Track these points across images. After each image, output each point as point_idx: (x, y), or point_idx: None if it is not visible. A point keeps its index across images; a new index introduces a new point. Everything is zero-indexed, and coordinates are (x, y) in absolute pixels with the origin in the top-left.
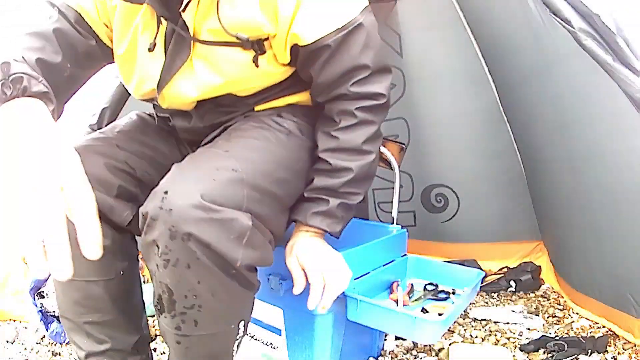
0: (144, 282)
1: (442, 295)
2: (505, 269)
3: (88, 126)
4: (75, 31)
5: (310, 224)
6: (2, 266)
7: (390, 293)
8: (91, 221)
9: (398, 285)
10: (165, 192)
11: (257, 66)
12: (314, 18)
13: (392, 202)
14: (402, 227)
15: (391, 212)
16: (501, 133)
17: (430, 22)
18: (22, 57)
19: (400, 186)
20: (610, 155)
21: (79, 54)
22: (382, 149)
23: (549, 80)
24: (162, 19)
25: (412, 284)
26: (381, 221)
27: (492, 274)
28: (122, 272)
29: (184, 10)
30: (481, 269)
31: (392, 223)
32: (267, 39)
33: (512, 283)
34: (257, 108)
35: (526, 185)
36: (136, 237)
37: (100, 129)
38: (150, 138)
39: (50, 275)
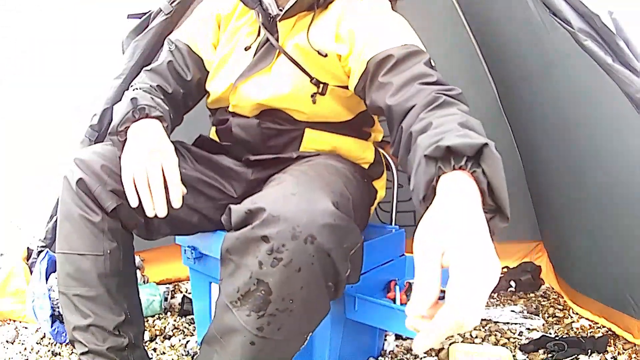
0: (143, 282)
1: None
2: (505, 269)
3: (89, 127)
4: (184, 64)
5: (449, 144)
6: (5, 265)
7: (388, 292)
8: (176, 182)
9: (395, 284)
10: (293, 194)
11: (314, 102)
12: (378, 37)
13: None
14: (402, 227)
15: (390, 212)
16: (501, 133)
17: (430, 22)
18: (146, 91)
19: (400, 186)
20: (610, 155)
21: (187, 82)
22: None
23: (549, 80)
24: (262, 28)
25: (409, 283)
26: (381, 221)
27: None
28: (109, 252)
29: (280, 20)
30: None
31: (391, 223)
32: (326, 84)
33: (512, 283)
34: (307, 131)
35: (526, 185)
36: (135, 235)
37: (101, 129)
38: None
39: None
